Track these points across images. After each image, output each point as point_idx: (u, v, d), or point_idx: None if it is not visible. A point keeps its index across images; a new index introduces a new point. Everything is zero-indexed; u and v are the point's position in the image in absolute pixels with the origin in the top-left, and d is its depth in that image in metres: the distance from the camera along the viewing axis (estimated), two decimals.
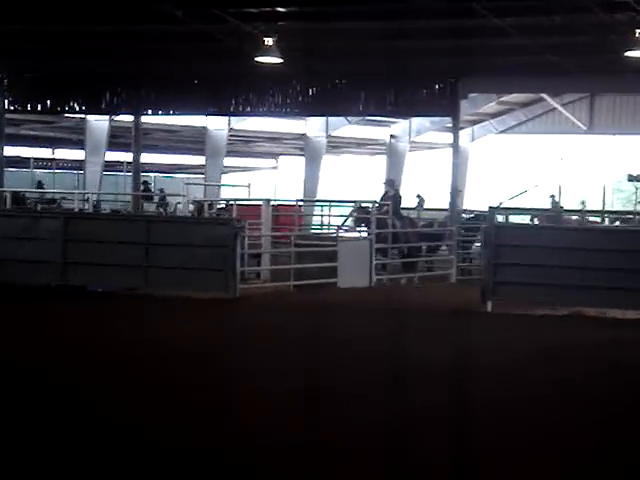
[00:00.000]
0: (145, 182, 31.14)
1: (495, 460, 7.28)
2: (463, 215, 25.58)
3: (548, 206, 29.67)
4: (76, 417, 8.24)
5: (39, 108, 27.29)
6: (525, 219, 27.88)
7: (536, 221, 24.86)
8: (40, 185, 32.22)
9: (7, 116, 27.45)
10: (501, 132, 39.47)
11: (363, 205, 21.70)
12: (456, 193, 24.92)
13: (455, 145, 24.89)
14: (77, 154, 34.96)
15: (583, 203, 31.66)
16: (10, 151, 29.91)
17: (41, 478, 6.75)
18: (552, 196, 30.76)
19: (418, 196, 33.84)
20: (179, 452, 7.28)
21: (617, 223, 23.35)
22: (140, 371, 10.34)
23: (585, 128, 37.30)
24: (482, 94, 32.40)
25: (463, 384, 9.76)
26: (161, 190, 33.42)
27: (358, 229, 21.30)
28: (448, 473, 7.01)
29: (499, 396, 9.43)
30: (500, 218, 18.58)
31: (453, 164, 24.78)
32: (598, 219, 25.15)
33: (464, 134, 34.84)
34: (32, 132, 34.15)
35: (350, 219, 22.05)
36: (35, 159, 36.16)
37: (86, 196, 28.10)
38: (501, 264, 16.24)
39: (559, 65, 22.54)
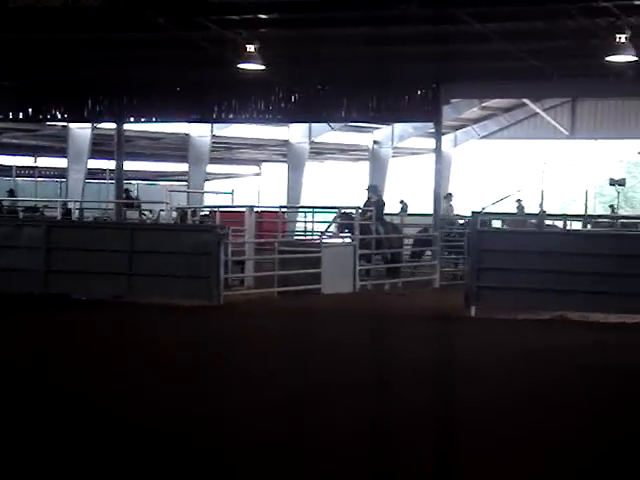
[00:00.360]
0: (127, 190, 31.05)
1: (479, 457, 7.30)
2: (459, 221, 25.57)
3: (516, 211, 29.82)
4: (63, 422, 8.23)
5: (21, 116, 27.22)
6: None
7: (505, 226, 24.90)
8: (11, 193, 31.91)
9: None
10: (483, 137, 39.55)
11: (346, 211, 21.73)
12: (439, 198, 24.94)
13: (438, 150, 24.94)
14: (59, 162, 34.88)
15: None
16: None
17: None
18: (518, 200, 30.95)
19: (401, 202, 33.91)
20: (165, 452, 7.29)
21: (589, 227, 23.43)
22: (125, 378, 10.32)
23: (567, 133, 37.44)
24: (464, 99, 32.46)
25: (446, 387, 9.78)
26: (136, 198, 33.17)
27: (342, 235, 21.32)
28: (433, 472, 7.03)
29: (481, 398, 9.46)
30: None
31: (436, 169, 24.81)
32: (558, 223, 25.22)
33: (447, 139, 34.89)
34: (14, 140, 34.05)
35: (333, 225, 22.06)
36: (17, 167, 36.04)
37: (69, 204, 28.04)
38: (484, 269, 16.28)
39: (541, 70, 22.63)
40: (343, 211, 21.83)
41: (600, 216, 32.46)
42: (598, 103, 36.20)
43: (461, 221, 25.05)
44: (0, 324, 14.30)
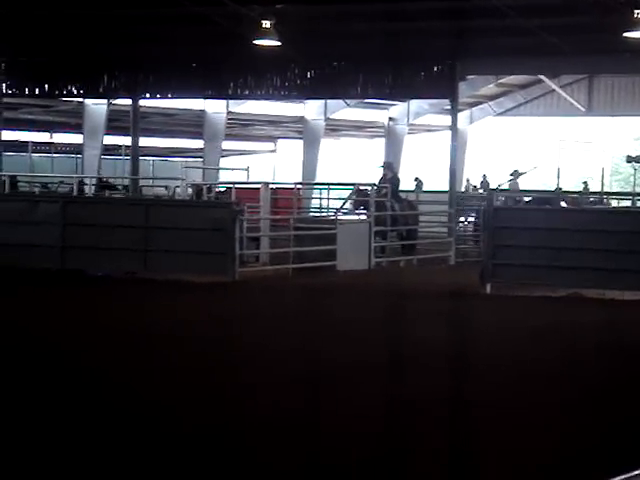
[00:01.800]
0: (102, 179, 30.00)
1: (492, 435, 7.33)
2: (525, 198, 25.28)
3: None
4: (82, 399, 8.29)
5: (37, 92, 27.26)
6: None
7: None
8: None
9: (5, 100, 27.42)
10: (499, 114, 39.42)
11: (362, 188, 21.67)
12: (454, 175, 24.89)
13: (453, 127, 24.88)
14: (75, 138, 34.92)
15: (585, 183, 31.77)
16: (8, 135, 29.85)
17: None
18: (484, 176, 31.27)
19: (416, 179, 33.88)
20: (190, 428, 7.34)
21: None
22: (144, 355, 10.38)
23: (584, 110, 37.27)
24: (480, 76, 32.35)
25: (461, 365, 9.80)
26: (114, 186, 31.93)
27: (357, 212, 21.27)
28: (446, 451, 7.06)
29: (496, 376, 9.48)
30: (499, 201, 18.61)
31: (451, 147, 24.76)
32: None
33: (462, 116, 34.80)
34: (30, 116, 34.11)
35: (349, 202, 22.01)
36: (33, 143, 36.09)
37: (86, 180, 28.05)
38: (500, 246, 16.27)
39: (557, 46, 22.50)
40: (358, 188, 21.78)
41: (616, 193, 32.40)
42: (615, 80, 36.01)
43: (526, 198, 24.42)
44: (16, 300, 14.36)
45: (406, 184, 27.11)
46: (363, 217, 20.95)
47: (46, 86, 26.95)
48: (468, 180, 34.23)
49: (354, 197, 21.46)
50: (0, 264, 17.32)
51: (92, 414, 7.82)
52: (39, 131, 37.03)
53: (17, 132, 34.14)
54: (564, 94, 36.99)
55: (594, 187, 33.67)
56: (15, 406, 8.03)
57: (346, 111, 35.95)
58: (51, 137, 38.00)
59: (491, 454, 6.98)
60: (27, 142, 35.22)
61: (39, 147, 36.98)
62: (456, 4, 20.64)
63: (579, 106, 37.13)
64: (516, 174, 25.84)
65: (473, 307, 14.53)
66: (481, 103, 38.67)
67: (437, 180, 32.88)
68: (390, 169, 23.11)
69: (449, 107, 25.89)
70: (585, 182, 31.16)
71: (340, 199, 24.39)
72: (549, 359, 10.55)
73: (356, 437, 7.36)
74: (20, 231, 17.83)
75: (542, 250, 15.86)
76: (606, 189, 32.21)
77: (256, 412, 7.98)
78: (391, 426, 7.61)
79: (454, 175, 24.79)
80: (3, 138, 27.53)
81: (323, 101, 33.80)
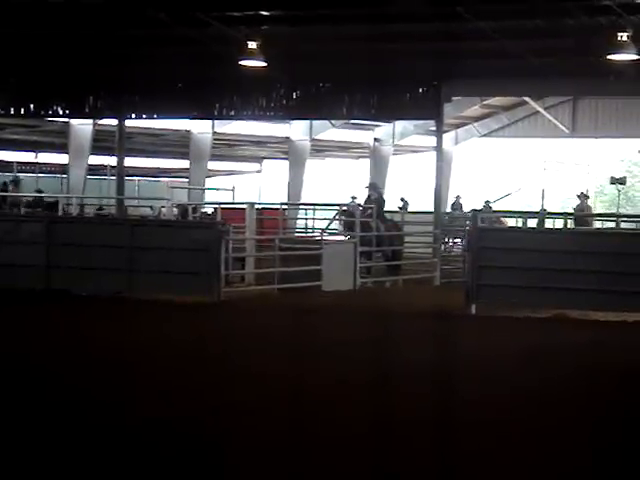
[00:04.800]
0: (4, 183, 29.63)
1: (478, 455, 7.32)
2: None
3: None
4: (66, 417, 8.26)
5: (22, 112, 27.22)
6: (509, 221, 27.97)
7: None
8: (15, 184, 31.06)
9: None
10: (484, 135, 39.57)
11: (347, 209, 21.67)
12: (440, 196, 24.94)
13: (439, 148, 24.96)
14: (61, 158, 34.88)
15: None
16: None
17: None
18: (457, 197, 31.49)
19: (402, 199, 33.94)
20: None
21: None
22: (127, 374, 10.34)
23: (568, 131, 37.45)
24: (465, 97, 32.48)
25: (446, 386, 9.79)
26: (39, 191, 30.96)
27: (347, 233, 21.16)
28: (432, 470, 7.06)
29: (481, 396, 9.48)
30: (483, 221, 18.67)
31: (437, 167, 24.83)
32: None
33: (448, 137, 34.92)
34: (15, 136, 34.06)
35: (338, 223, 21.98)
36: (18, 163, 36.03)
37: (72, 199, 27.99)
38: (485, 267, 16.30)
39: (542, 68, 22.63)
40: (344, 208, 21.80)
41: (601, 215, 32.52)
42: (599, 102, 36.21)
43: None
44: (1, 319, 14.30)
45: (391, 205, 27.14)
46: (348, 238, 20.97)
47: (31, 106, 26.93)
48: (458, 197, 34.13)
49: (343, 218, 21.45)
50: None
51: (76, 432, 7.78)
52: (24, 151, 36.99)
53: (2, 152, 34.08)
54: (548, 116, 37.17)
55: None
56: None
57: (331, 132, 36.04)
58: (36, 157, 37.96)
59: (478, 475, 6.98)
60: (12, 162, 35.20)
61: (24, 167, 36.91)
62: (441, 26, 20.74)
63: (563, 128, 37.31)
64: (405, 202, 26.12)
65: (458, 328, 14.52)
66: (466, 124, 38.82)
67: (422, 201, 32.94)
68: (375, 190, 23.16)
69: (434, 128, 25.98)
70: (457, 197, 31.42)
71: (325, 219, 24.43)
72: (534, 380, 10.55)
73: (338, 459, 7.34)
74: (4, 251, 17.79)
75: (527, 271, 15.91)
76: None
77: (238, 432, 7.95)
78: (375, 449, 7.59)
79: (439, 196, 24.85)
80: None
81: (308, 122, 33.89)
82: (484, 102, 36.44)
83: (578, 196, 22.65)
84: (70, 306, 16.26)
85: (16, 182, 26.93)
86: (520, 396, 9.66)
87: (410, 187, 38.68)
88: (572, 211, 24.84)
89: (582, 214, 22.55)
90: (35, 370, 10.44)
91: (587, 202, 22.94)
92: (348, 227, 21.12)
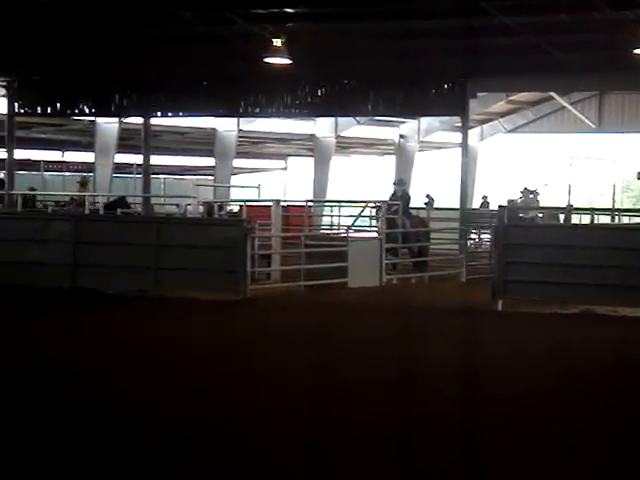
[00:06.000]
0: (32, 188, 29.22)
1: (504, 451, 7.31)
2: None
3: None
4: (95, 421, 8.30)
5: (49, 111, 27.37)
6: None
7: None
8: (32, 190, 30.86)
9: (17, 119, 27.53)
10: (510, 131, 39.44)
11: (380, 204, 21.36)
12: (465, 193, 24.88)
13: (464, 144, 24.90)
14: (87, 157, 35.03)
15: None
16: (20, 154, 29.94)
17: None
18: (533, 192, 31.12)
19: (427, 196, 33.88)
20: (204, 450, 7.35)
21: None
22: (158, 373, 10.39)
23: (594, 127, 37.26)
24: (491, 93, 32.39)
25: (472, 382, 9.78)
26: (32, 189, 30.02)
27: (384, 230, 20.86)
28: (460, 467, 7.05)
29: (508, 393, 9.46)
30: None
31: (462, 164, 24.78)
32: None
33: (473, 133, 34.84)
34: (42, 135, 34.24)
35: (377, 220, 21.76)
36: (45, 162, 36.22)
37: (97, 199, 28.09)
38: (511, 263, 16.25)
39: (568, 63, 22.54)
40: (379, 204, 21.45)
41: (628, 210, 32.35)
42: (625, 97, 36.01)
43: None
44: (28, 319, 14.38)
45: (417, 201, 27.10)
46: (374, 234, 20.93)
47: (58, 105, 27.06)
48: (485, 197, 34.05)
49: (381, 215, 21.04)
50: (12, 283, 17.37)
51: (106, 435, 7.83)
52: (51, 150, 37.18)
53: (29, 151, 34.25)
54: (574, 111, 37.00)
55: (606, 204, 33.65)
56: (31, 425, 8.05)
57: (357, 128, 36.01)
58: (63, 156, 38.13)
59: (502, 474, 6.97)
60: (39, 161, 35.37)
61: (51, 166, 37.10)
62: (467, 22, 20.69)
63: (589, 123, 37.12)
64: (526, 192, 25.76)
65: (484, 324, 14.51)
66: (491, 120, 38.70)
67: (448, 197, 32.87)
68: (401, 186, 23.13)
69: (460, 124, 25.92)
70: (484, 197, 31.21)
71: (351, 216, 24.41)
72: (560, 376, 10.52)
73: (367, 456, 7.35)
74: (32, 249, 17.88)
75: (554, 267, 15.85)
76: (617, 206, 32.19)
77: (271, 429, 7.98)
78: (403, 445, 7.59)
79: (465, 192, 24.79)
80: (15, 157, 27.61)
81: (334, 119, 33.87)
82: (510, 98, 36.31)
83: (522, 192, 21.91)
84: (97, 305, 16.34)
85: (83, 183, 26.99)
86: (546, 392, 9.63)
87: (435, 183, 38.60)
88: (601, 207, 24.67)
89: (530, 208, 21.62)
90: (64, 369, 10.50)
91: (533, 197, 22.12)
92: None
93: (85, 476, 6.81)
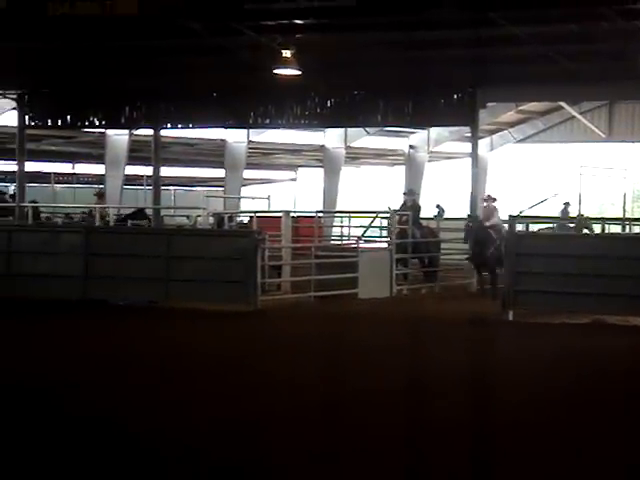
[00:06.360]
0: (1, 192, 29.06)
1: (514, 458, 7.30)
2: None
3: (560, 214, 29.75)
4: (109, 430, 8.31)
5: (59, 123, 27.44)
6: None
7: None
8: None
9: (28, 132, 27.60)
10: (520, 141, 39.39)
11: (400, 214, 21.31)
12: (476, 203, 24.83)
13: (474, 155, 24.87)
14: (97, 169, 35.11)
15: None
16: (31, 166, 29.99)
17: None
18: (566, 204, 30.89)
19: (438, 206, 33.85)
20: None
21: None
22: (168, 382, 10.41)
23: (604, 136, 37.18)
24: (500, 103, 32.36)
25: (483, 391, 9.77)
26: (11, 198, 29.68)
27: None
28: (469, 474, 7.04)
29: (517, 402, 9.44)
30: (520, 227, 18.60)
31: (472, 174, 24.75)
32: None
33: (483, 143, 34.81)
34: (52, 147, 34.33)
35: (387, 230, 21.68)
36: (55, 174, 36.32)
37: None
38: (522, 273, 16.23)
39: (577, 73, 22.51)
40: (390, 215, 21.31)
41: (638, 219, 32.27)
42: (636, 106, 35.92)
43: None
44: (38, 330, 14.41)
45: (427, 211, 27.04)
46: (384, 245, 20.92)
47: (68, 118, 27.12)
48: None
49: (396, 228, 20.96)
50: (23, 294, 17.42)
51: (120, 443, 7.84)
52: (61, 162, 37.28)
53: (40, 163, 34.35)
54: (584, 120, 36.94)
55: (616, 213, 33.56)
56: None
57: (366, 139, 36.01)
58: (73, 168, 38.24)
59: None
60: (50, 173, 35.47)
61: (61, 178, 37.20)
62: (476, 32, 20.70)
63: (600, 132, 37.06)
64: (440, 209, 25.34)
65: (495, 334, 14.48)
66: (501, 130, 38.67)
67: (458, 208, 32.84)
68: (411, 196, 23.13)
69: (469, 134, 25.89)
70: (566, 203, 31.02)
71: (361, 227, 24.40)
72: (570, 385, 10.49)
73: (376, 463, 7.34)
74: (43, 261, 17.93)
75: (564, 277, 15.82)
76: (628, 215, 32.11)
77: (276, 439, 7.97)
78: (414, 453, 7.58)
79: (475, 202, 24.75)
80: (26, 169, 27.67)
81: (343, 129, 33.88)
82: (519, 108, 36.27)
83: (485, 199, 21.24)
84: (107, 316, 16.36)
85: (100, 195, 27.04)
86: (556, 400, 9.61)
87: (445, 194, 38.57)
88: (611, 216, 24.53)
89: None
90: (71, 380, 10.51)
91: (493, 205, 21.05)
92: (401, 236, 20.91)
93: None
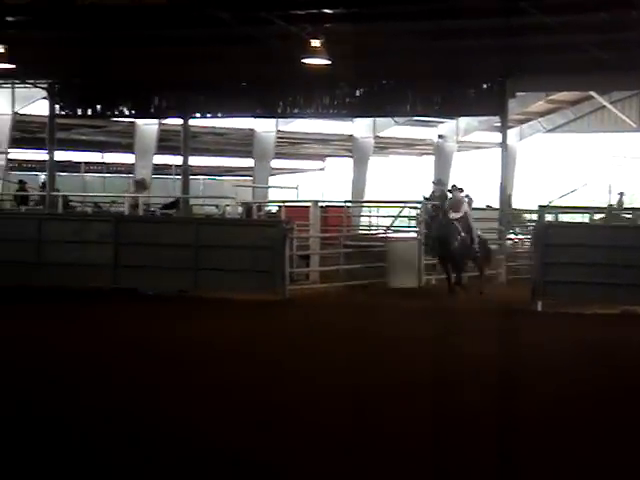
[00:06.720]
0: (21, 181, 28.97)
1: (543, 452, 7.29)
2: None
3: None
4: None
5: (89, 113, 27.55)
6: (574, 218, 27.70)
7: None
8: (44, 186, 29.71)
9: (58, 121, 27.74)
10: (549, 131, 39.19)
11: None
12: (505, 193, 24.74)
13: (503, 144, 24.77)
14: (126, 158, 35.24)
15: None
16: (61, 156, 30.14)
17: None
18: (620, 194, 30.70)
19: (466, 196, 33.74)
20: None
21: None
22: (198, 371, 10.46)
23: (635, 126, 36.92)
24: (530, 93, 32.20)
25: (512, 382, 9.75)
26: (43, 184, 29.56)
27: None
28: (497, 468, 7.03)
29: (547, 393, 9.42)
30: (549, 217, 18.52)
31: (502, 164, 24.66)
32: None
33: (512, 133, 34.62)
34: (82, 136, 34.48)
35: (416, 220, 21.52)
36: (85, 163, 36.49)
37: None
38: (551, 263, 16.17)
39: (607, 62, 22.37)
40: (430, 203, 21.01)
41: None
42: None
43: None
44: (69, 319, 14.51)
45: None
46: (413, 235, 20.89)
47: (98, 107, 27.24)
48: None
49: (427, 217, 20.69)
50: (53, 283, 17.52)
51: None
52: (91, 151, 37.43)
53: (70, 152, 34.50)
54: (615, 110, 36.69)
55: None
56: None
57: (395, 129, 35.94)
58: (103, 157, 38.39)
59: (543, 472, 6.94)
60: (80, 162, 35.63)
61: (91, 167, 37.36)
62: (506, 21, 20.59)
63: (630, 122, 36.79)
64: (469, 198, 24.72)
65: (524, 325, 14.44)
66: (531, 120, 38.48)
67: (486, 197, 32.72)
68: (440, 186, 23.08)
69: (499, 124, 25.80)
70: (620, 193, 30.77)
71: (389, 217, 24.39)
72: (599, 376, 10.45)
73: (405, 453, 7.35)
74: (73, 250, 18.03)
75: (594, 267, 15.75)
76: None
77: (302, 429, 8.00)
78: (443, 443, 7.58)
79: (504, 192, 24.67)
80: (56, 158, 27.81)
81: (372, 119, 33.83)
82: (549, 97, 36.07)
83: (450, 190, 20.41)
84: (137, 305, 16.44)
85: (140, 182, 27.11)
86: (586, 393, 9.58)
87: (474, 183, 38.43)
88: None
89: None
90: (105, 370, 10.59)
91: (460, 195, 20.25)
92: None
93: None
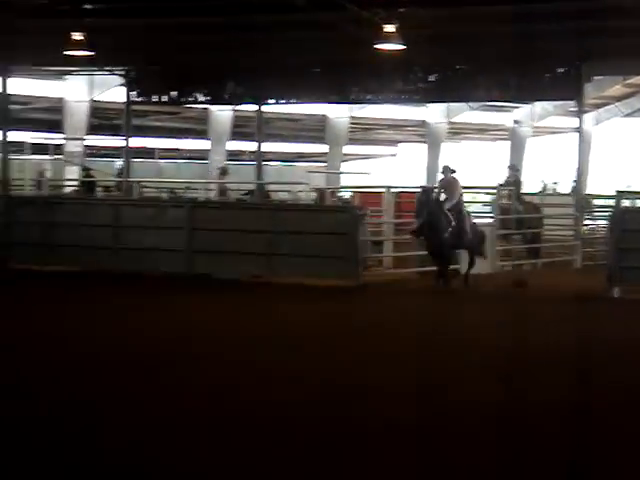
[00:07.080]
0: (86, 168, 29.01)
1: (617, 443, 7.21)
2: None
3: None
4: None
5: (164, 99, 27.79)
6: None
7: None
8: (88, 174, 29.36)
9: (133, 108, 28.03)
10: (627, 115, 38.62)
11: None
12: (581, 178, 24.47)
13: (580, 129, 24.47)
14: (200, 144, 35.52)
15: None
16: (136, 142, 30.49)
17: None
18: None
19: (541, 181, 33.46)
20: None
21: None
22: (269, 355, 10.54)
23: None
24: (607, 77, 31.74)
25: (587, 370, 9.66)
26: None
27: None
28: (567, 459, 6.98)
29: (626, 383, 9.31)
30: (627, 202, 18.28)
31: (578, 149, 24.36)
32: None
33: (588, 118, 34.19)
34: (157, 123, 34.82)
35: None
36: (160, 149, 36.86)
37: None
38: (628, 249, 15.96)
39: None
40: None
41: None
42: None
43: None
44: (144, 305, 14.68)
45: (531, 187, 26.73)
46: (488, 220, 20.75)
47: (173, 94, 27.46)
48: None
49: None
50: (129, 268, 17.76)
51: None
52: (165, 137, 37.79)
53: (145, 139, 34.88)
54: None
55: None
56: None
57: (469, 114, 35.71)
58: (177, 144, 38.73)
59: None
60: (154, 148, 36.00)
61: (166, 153, 37.73)
62: (583, 4, 20.31)
63: None
64: (544, 184, 24.27)
65: (600, 311, 14.29)
66: (608, 104, 37.95)
67: (562, 183, 32.42)
68: (514, 171, 22.94)
69: (574, 109, 25.47)
70: None
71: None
72: None
73: (467, 442, 7.34)
74: (148, 236, 18.23)
75: None
76: None
77: (369, 413, 8.02)
78: (517, 430, 7.55)
79: (581, 177, 24.39)
80: (131, 145, 28.13)
81: (445, 104, 33.64)
82: (626, 81, 35.52)
83: (442, 172, 19.25)
84: (211, 290, 16.56)
85: (224, 172, 27.43)
86: None
87: (549, 169, 38.06)
88: None
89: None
90: (173, 353, 10.72)
91: (452, 177, 19.04)
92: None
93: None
